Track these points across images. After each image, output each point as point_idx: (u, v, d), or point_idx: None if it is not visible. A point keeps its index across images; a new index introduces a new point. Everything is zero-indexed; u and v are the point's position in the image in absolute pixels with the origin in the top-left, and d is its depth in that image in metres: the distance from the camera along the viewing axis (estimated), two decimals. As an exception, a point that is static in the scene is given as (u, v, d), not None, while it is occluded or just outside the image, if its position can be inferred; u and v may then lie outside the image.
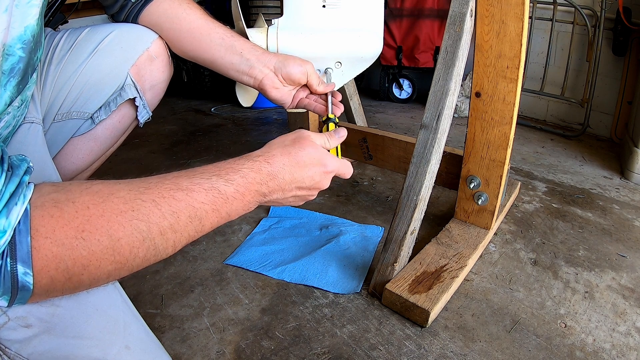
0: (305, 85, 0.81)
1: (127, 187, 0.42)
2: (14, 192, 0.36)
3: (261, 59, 0.75)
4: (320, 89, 0.80)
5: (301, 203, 0.61)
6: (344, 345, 0.84)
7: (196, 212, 0.45)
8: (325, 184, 0.60)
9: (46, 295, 0.38)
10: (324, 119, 0.74)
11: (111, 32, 0.76)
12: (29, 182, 0.39)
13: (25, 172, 0.39)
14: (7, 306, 0.39)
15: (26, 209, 0.36)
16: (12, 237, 0.35)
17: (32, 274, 0.36)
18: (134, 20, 0.77)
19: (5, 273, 0.35)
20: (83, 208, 0.38)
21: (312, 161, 0.56)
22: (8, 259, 0.35)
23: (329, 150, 0.71)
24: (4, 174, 0.36)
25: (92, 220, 0.38)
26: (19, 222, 0.35)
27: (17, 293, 0.36)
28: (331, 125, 0.73)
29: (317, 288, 0.99)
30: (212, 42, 0.75)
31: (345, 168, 0.63)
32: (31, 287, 0.36)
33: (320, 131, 0.72)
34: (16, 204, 0.35)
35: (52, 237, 0.36)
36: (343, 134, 0.66)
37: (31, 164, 0.41)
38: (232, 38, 0.76)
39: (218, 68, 0.78)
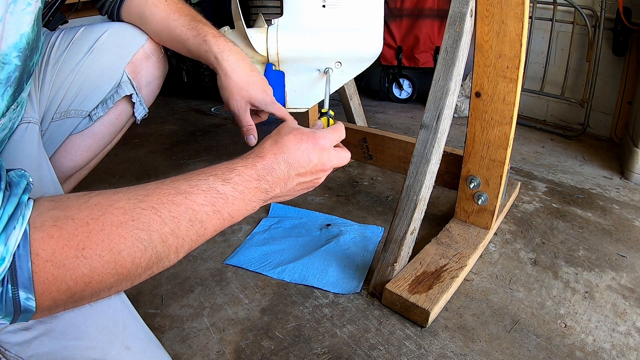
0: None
1: (125, 197, 0.41)
2: (12, 214, 0.35)
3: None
4: (269, 109, 0.87)
5: (310, 189, 0.58)
6: (344, 345, 0.84)
7: (196, 215, 0.43)
8: (326, 162, 0.56)
9: (49, 312, 0.38)
10: (323, 110, 0.73)
11: (106, 31, 0.76)
12: (28, 199, 0.37)
13: (25, 191, 0.37)
14: (10, 324, 0.39)
15: (25, 230, 0.35)
16: (11, 263, 0.34)
17: (34, 298, 0.35)
18: (117, 16, 0.78)
19: (7, 299, 0.34)
20: (82, 224, 0.37)
21: (300, 140, 0.53)
22: (9, 286, 0.34)
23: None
24: (1, 193, 0.35)
25: (91, 235, 0.37)
26: (18, 246, 0.34)
27: (20, 315, 0.36)
28: (330, 121, 0.71)
29: (317, 288, 0.99)
30: (181, 37, 0.78)
31: (339, 132, 0.60)
32: (34, 310, 0.36)
33: None
34: (14, 228, 0.34)
35: (52, 259, 0.35)
36: (341, 128, 0.62)
37: (31, 179, 0.39)
38: (199, 36, 0.77)
39: (191, 55, 0.80)
